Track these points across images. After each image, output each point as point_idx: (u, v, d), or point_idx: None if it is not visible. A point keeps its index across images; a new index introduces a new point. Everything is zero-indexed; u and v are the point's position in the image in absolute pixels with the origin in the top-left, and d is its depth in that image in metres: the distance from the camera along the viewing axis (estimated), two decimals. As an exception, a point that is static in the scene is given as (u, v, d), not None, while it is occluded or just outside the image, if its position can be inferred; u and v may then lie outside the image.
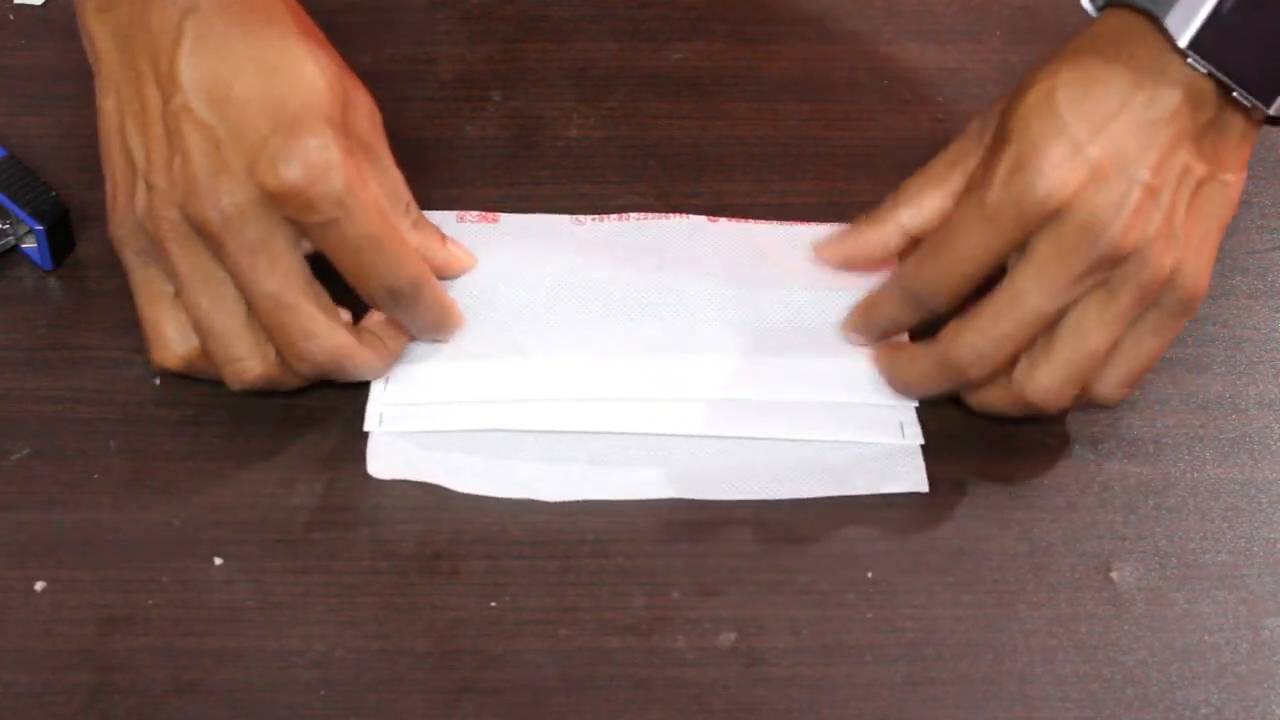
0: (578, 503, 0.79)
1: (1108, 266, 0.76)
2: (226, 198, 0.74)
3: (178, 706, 0.73)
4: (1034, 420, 0.81)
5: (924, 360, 0.80)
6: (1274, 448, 0.83)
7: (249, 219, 0.75)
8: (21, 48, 0.94)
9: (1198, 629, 0.77)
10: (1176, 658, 0.76)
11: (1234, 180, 0.78)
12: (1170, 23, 0.75)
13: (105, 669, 0.74)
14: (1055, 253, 0.75)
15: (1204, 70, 0.76)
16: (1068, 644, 0.76)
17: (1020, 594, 0.78)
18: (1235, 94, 0.76)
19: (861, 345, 0.83)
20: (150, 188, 0.76)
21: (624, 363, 0.82)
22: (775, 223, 0.87)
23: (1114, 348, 0.78)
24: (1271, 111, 0.77)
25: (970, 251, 0.77)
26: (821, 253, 0.85)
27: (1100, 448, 0.82)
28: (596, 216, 0.87)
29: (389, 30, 0.96)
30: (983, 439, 0.81)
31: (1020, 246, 0.77)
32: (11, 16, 0.95)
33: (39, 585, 0.76)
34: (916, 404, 0.82)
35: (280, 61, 0.75)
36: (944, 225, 0.79)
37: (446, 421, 0.81)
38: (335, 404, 0.81)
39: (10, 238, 0.85)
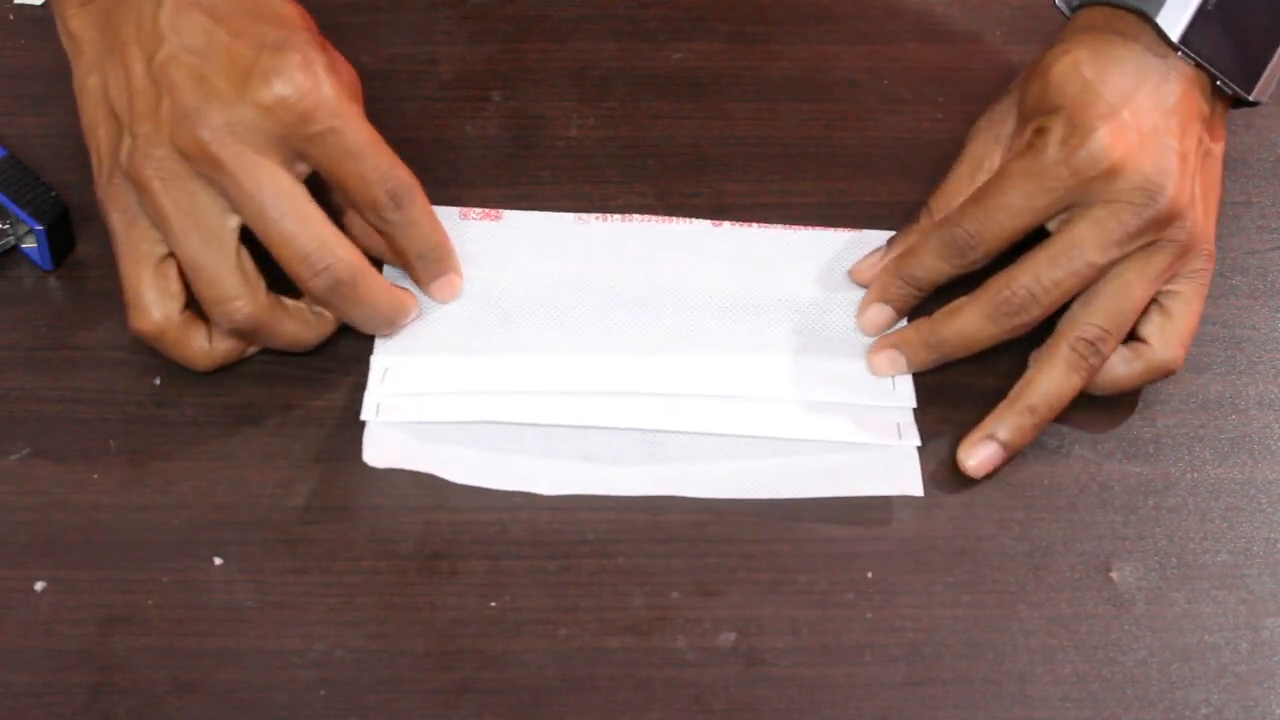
0: (577, 502, 0.79)
1: (1160, 227, 0.79)
2: (219, 116, 0.75)
3: (178, 706, 0.73)
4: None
5: (970, 310, 0.81)
6: (1274, 448, 0.83)
7: (243, 135, 0.75)
8: (21, 48, 0.94)
9: (1198, 629, 0.77)
10: (1176, 658, 0.76)
11: (1220, 154, 0.83)
12: (1162, 20, 0.80)
13: (105, 669, 0.74)
14: (1111, 210, 0.79)
15: (1192, 63, 0.81)
16: (1068, 644, 0.76)
17: (1020, 594, 0.78)
18: (1219, 83, 0.82)
19: (879, 315, 0.83)
20: (135, 135, 0.76)
21: (622, 358, 0.82)
22: (780, 227, 0.87)
23: (1163, 312, 0.81)
24: (1252, 98, 0.82)
25: (1019, 205, 0.80)
26: (860, 275, 0.85)
27: (1100, 448, 0.82)
28: (600, 216, 0.87)
29: (389, 30, 0.95)
30: (983, 439, 0.81)
31: (1064, 209, 0.80)
32: (11, 16, 0.95)
33: (39, 585, 0.76)
34: (914, 405, 0.82)
35: (260, 2, 0.77)
36: (994, 178, 0.81)
37: (443, 413, 0.81)
38: (335, 404, 0.81)
39: (10, 238, 0.85)
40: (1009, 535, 0.79)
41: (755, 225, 0.87)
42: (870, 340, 0.84)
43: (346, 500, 0.79)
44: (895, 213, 0.87)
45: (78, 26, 0.79)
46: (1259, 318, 0.87)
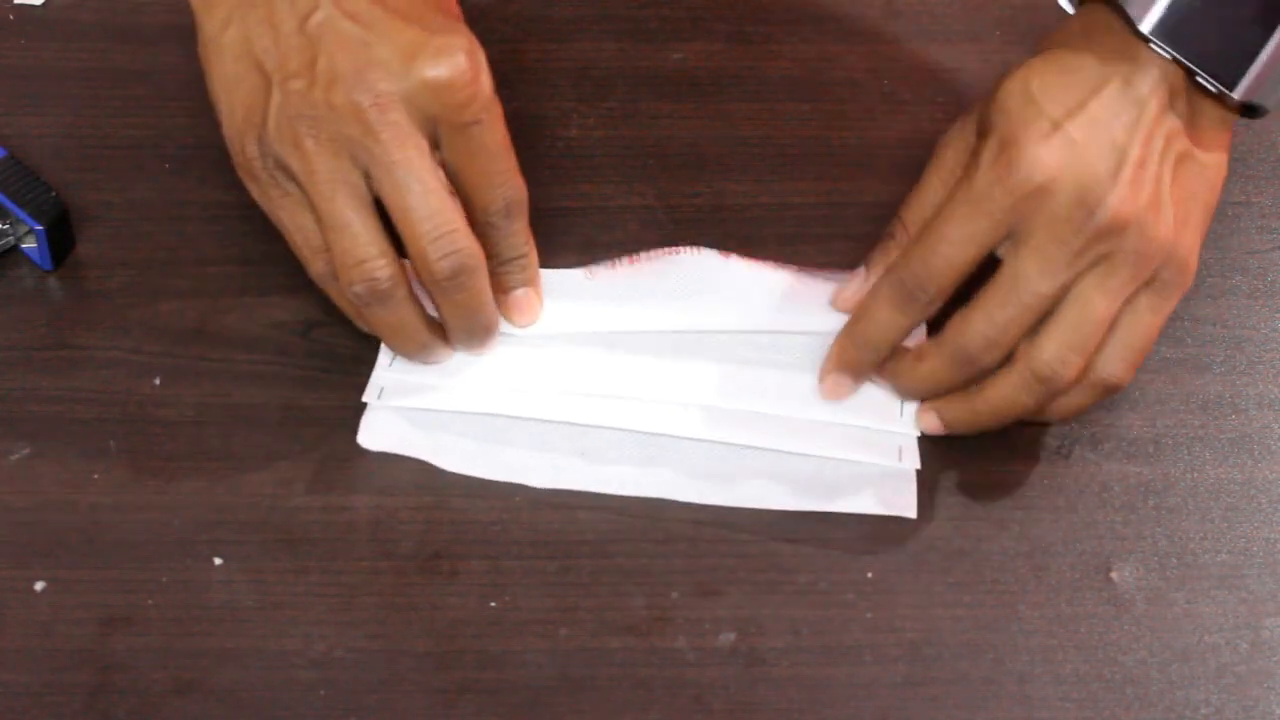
0: (577, 502, 0.79)
1: (1106, 239, 0.76)
2: (382, 83, 0.75)
3: (178, 706, 0.73)
4: (1042, 423, 0.81)
5: (933, 357, 0.79)
6: (1274, 448, 0.83)
7: (400, 107, 0.75)
8: (21, 48, 0.94)
9: (1198, 629, 0.77)
10: (1176, 658, 0.76)
11: (1214, 164, 0.79)
12: (1132, 10, 0.76)
13: (105, 669, 0.74)
14: (1050, 231, 0.76)
15: (1168, 56, 0.76)
16: (1068, 644, 0.76)
17: (1020, 594, 0.78)
18: (1199, 79, 0.77)
19: (838, 386, 0.81)
20: (286, 92, 0.75)
21: (628, 360, 0.82)
22: (789, 269, 0.85)
23: (1113, 325, 0.77)
24: (1238, 97, 0.77)
25: (959, 235, 0.77)
26: (843, 304, 0.82)
27: (1100, 448, 0.82)
28: (609, 264, 0.85)
29: (389, 30, 0.95)
30: (983, 439, 0.81)
31: (1009, 233, 0.77)
32: (11, 16, 0.95)
33: (39, 585, 0.76)
34: (919, 432, 0.81)
35: None
36: (934, 217, 0.78)
37: (446, 401, 0.81)
38: (335, 404, 0.81)
39: (10, 238, 0.85)
40: (1009, 535, 0.79)
41: (767, 265, 0.85)
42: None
43: (346, 500, 0.79)
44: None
45: None
46: (1259, 318, 0.87)
